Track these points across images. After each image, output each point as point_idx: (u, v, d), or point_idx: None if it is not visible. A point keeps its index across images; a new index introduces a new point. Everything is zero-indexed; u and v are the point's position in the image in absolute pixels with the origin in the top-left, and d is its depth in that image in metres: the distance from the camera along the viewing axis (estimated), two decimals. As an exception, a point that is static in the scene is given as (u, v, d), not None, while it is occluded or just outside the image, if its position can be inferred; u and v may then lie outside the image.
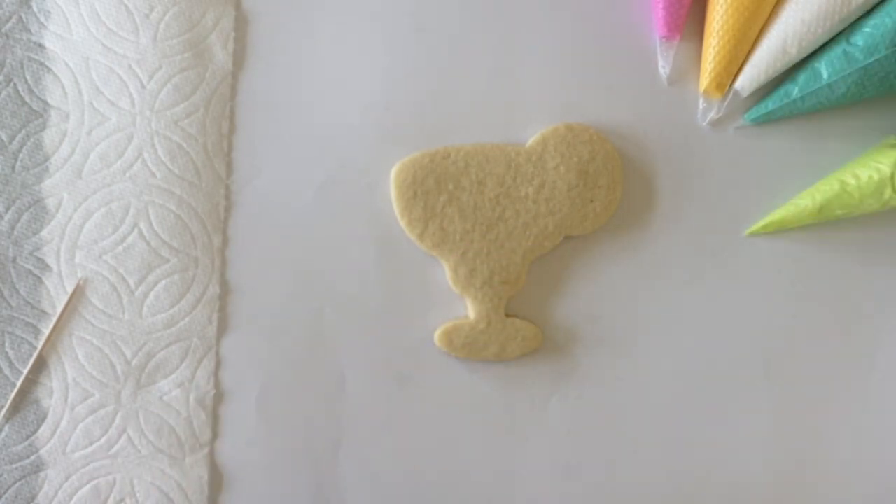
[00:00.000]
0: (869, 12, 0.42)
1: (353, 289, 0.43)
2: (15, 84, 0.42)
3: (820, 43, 0.42)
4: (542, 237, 0.42)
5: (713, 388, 0.43)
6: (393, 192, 0.42)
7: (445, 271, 0.42)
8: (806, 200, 0.42)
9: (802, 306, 0.44)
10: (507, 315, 0.43)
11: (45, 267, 0.41)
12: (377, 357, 0.43)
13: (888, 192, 0.41)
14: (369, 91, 0.43)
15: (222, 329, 0.42)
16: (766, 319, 0.44)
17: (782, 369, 0.44)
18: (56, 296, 0.41)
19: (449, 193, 0.42)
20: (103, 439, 0.41)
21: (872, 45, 0.41)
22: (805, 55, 0.43)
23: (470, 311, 0.42)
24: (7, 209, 0.41)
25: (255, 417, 0.42)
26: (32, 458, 0.41)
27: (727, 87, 0.43)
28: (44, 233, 0.41)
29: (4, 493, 0.40)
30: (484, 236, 0.42)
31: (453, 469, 0.43)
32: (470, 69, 0.44)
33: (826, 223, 0.44)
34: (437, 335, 0.42)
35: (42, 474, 0.41)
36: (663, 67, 0.44)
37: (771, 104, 0.43)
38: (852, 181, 0.41)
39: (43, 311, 0.41)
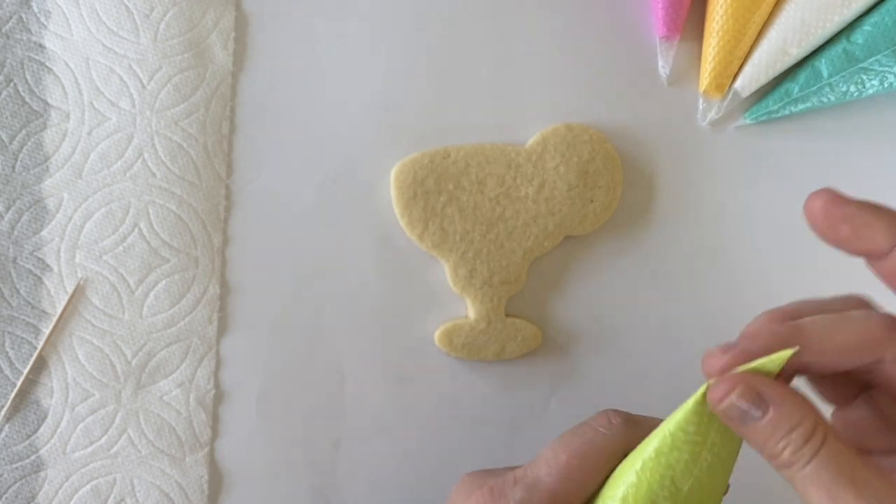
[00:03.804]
0: (869, 10, 0.42)
1: (353, 289, 0.43)
2: (15, 84, 0.42)
3: (820, 42, 0.42)
4: (542, 237, 0.42)
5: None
6: (393, 192, 0.42)
7: (445, 271, 0.42)
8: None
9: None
10: (507, 315, 0.43)
11: (46, 267, 0.41)
12: (377, 357, 0.43)
13: None
14: (369, 91, 0.43)
15: (222, 329, 0.42)
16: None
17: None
18: (56, 296, 0.41)
19: (449, 193, 0.42)
20: (103, 439, 0.41)
21: (872, 44, 0.41)
22: (805, 55, 0.43)
23: (470, 311, 0.42)
24: (7, 209, 0.41)
25: (255, 417, 0.42)
26: (32, 457, 0.41)
27: (727, 88, 0.43)
28: (44, 233, 0.41)
29: (4, 493, 0.40)
30: (484, 236, 0.42)
31: (453, 469, 0.43)
32: (470, 69, 0.44)
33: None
34: (437, 335, 0.42)
35: (42, 474, 0.41)
36: (663, 67, 0.44)
37: (771, 103, 0.43)
38: None
39: (43, 311, 0.41)
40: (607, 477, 0.31)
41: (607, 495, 0.30)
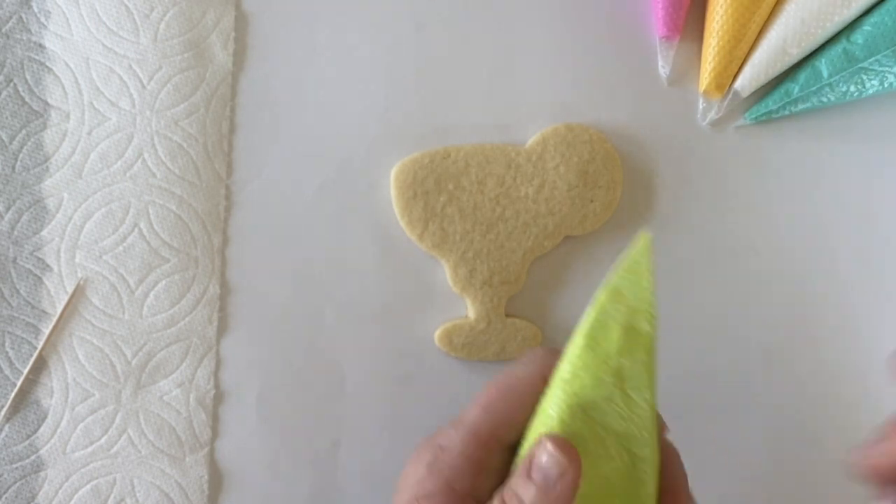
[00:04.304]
0: (869, 10, 0.42)
1: (353, 289, 0.43)
2: (15, 84, 0.42)
3: (820, 42, 0.42)
4: (542, 237, 0.42)
5: (713, 389, 0.43)
6: (393, 192, 0.42)
7: (445, 271, 0.42)
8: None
9: (803, 307, 0.44)
10: (507, 315, 0.43)
11: (46, 267, 0.41)
12: (377, 357, 0.43)
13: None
14: (369, 91, 0.43)
15: (222, 329, 0.42)
16: (766, 319, 0.44)
17: (782, 369, 0.44)
18: (56, 296, 0.41)
19: (449, 193, 0.42)
20: (103, 439, 0.41)
21: (872, 44, 0.41)
22: (805, 55, 0.43)
23: (470, 311, 0.42)
24: (7, 209, 0.41)
25: (255, 417, 0.42)
26: (32, 458, 0.41)
27: (727, 87, 0.43)
28: (44, 233, 0.41)
29: (4, 493, 0.40)
30: (484, 236, 0.42)
31: (453, 469, 0.43)
32: (470, 69, 0.44)
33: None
34: (437, 335, 0.42)
35: (42, 474, 0.41)
36: (663, 67, 0.44)
37: (771, 103, 0.43)
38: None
39: (43, 311, 0.41)
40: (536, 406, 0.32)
41: (538, 420, 0.31)
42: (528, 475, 0.30)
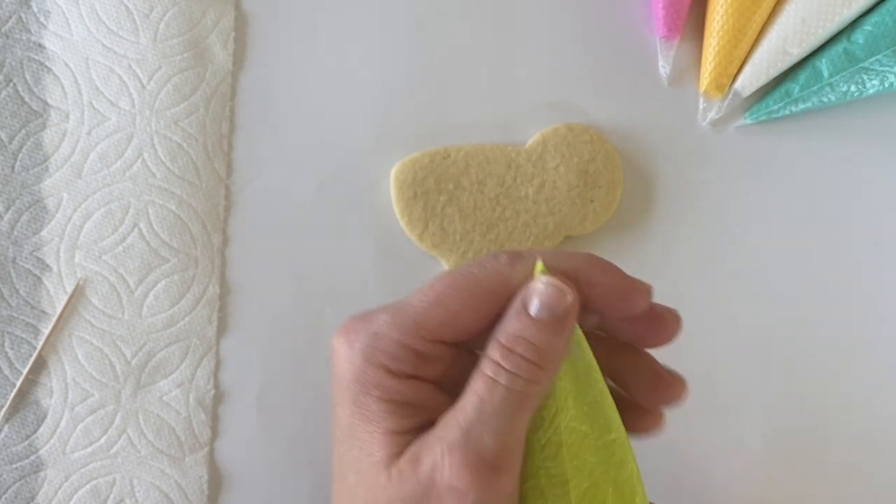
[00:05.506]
0: (869, 10, 0.42)
1: (353, 289, 0.43)
2: (15, 84, 0.42)
3: (820, 42, 0.42)
4: (542, 237, 0.42)
5: (713, 389, 0.43)
6: (393, 192, 0.42)
7: (445, 271, 0.42)
8: None
9: (804, 306, 0.44)
10: (508, 315, 0.43)
11: (45, 267, 0.41)
12: (377, 357, 0.43)
13: None
14: (369, 91, 0.43)
15: (222, 329, 0.42)
16: (766, 318, 0.44)
17: (783, 368, 0.44)
18: (56, 296, 0.41)
19: (449, 193, 0.42)
20: (103, 439, 0.41)
21: (873, 43, 0.41)
22: (805, 55, 0.43)
23: (470, 311, 0.42)
24: (7, 209, 0.41)
25: (255, 417, 0.42)
26: (32, 458, 0.41)
27: (727, 87, 0.43)
28: (44, 233, 0.41)
29: (4, 493, 0.40)
30: (484, 236, 0.42)
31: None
32: (470, 69, 0.44)
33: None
34: (437, 335, 0.42)
35: (42, 474, 0.41)
36: (663, 67, 0.44)
37: (772, 103, 0.43)
38: None
39: (43, 311, 0.41)
40: (492, 313, 0.30)
41: None
42: (528, 313, 0.28)
